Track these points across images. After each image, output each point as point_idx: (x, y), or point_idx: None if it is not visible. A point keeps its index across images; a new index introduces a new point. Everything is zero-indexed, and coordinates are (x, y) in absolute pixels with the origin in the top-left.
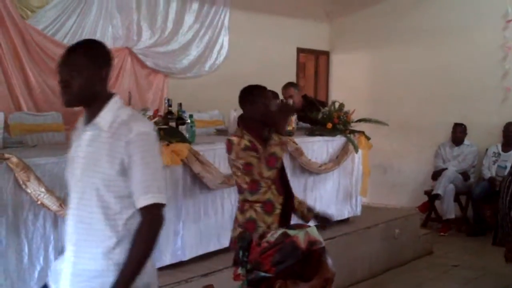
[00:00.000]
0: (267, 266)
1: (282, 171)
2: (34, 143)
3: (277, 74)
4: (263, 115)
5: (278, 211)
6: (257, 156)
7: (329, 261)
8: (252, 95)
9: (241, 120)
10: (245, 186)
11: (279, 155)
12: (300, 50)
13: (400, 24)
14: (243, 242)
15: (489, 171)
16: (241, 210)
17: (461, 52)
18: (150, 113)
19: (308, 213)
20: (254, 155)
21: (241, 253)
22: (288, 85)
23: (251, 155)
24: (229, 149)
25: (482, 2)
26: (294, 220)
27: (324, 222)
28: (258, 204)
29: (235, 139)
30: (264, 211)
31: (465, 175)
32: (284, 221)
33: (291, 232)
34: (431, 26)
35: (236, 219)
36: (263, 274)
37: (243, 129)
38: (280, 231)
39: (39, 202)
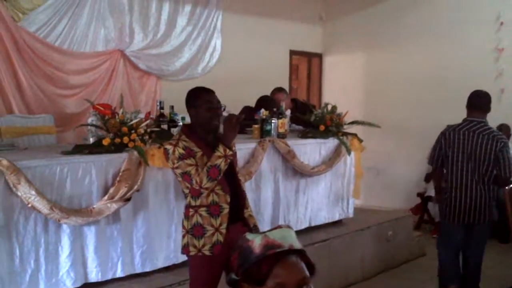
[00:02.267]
0: (235, 269)
1: (230, 169)
2: (25, 146)
3: (270, 76)
4: (208, 121)
5: (226, 211)
6: (194, 164)
7: (294, 265)
8: (196, 99)
9: (184, 124)
10: (186, 191)
11: (222, 168)
12: (292, 53)
13: (393, 26)
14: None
15: None
16: (186, 216)
17: (454, 54)
18: (142, 115)
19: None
20: (191, 163)
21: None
22: (276, 91)
23: (188, 164)
24: (166, 157)
25: (475, 5)
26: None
27: None
28: (202, 208)
29: (169, 147)
30: (210, 214)
31: None
32: (234, 220)
33: (250, 236)
34: (424, 28)
35: (182, 225)
36: (234, 276)
37: (180, 135)
38: (242, 236)
39: (29, 205)
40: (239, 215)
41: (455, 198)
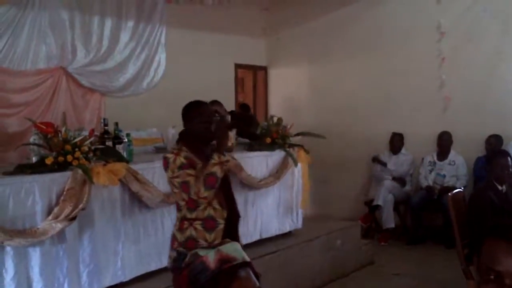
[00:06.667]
0: (185, 287)
1: (226, 184)
2: None
3: (216, 90)
4: (202, 132)
5: (221, 226)
6: (194, 174)
7: (250, 277)
8: (190, 112)
9: (181, 135)
10: (183, 203)
11: (218, 175)
12: (238, 66)
13: (337, 38)
14: (178, 263)
15: (426, 180)
16: (180, 228)
17: (398, 64)
18: (86, 133)
19: None
20: (191, 173)
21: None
22: (210, 104)
23: (188, 173)
24: (165, 166)
25: (417, 16)
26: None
27: None
28: (198, 222)
29: (171, 156)
30: (205, 228)
31: (401, 180)
32: (228, 236)
33: (201, 252)
34: (368, 39)
35: (174, 238)
36: None
37: (181, 145)
38: (192, 252)
39: None
40: (232, 233)
41: None
